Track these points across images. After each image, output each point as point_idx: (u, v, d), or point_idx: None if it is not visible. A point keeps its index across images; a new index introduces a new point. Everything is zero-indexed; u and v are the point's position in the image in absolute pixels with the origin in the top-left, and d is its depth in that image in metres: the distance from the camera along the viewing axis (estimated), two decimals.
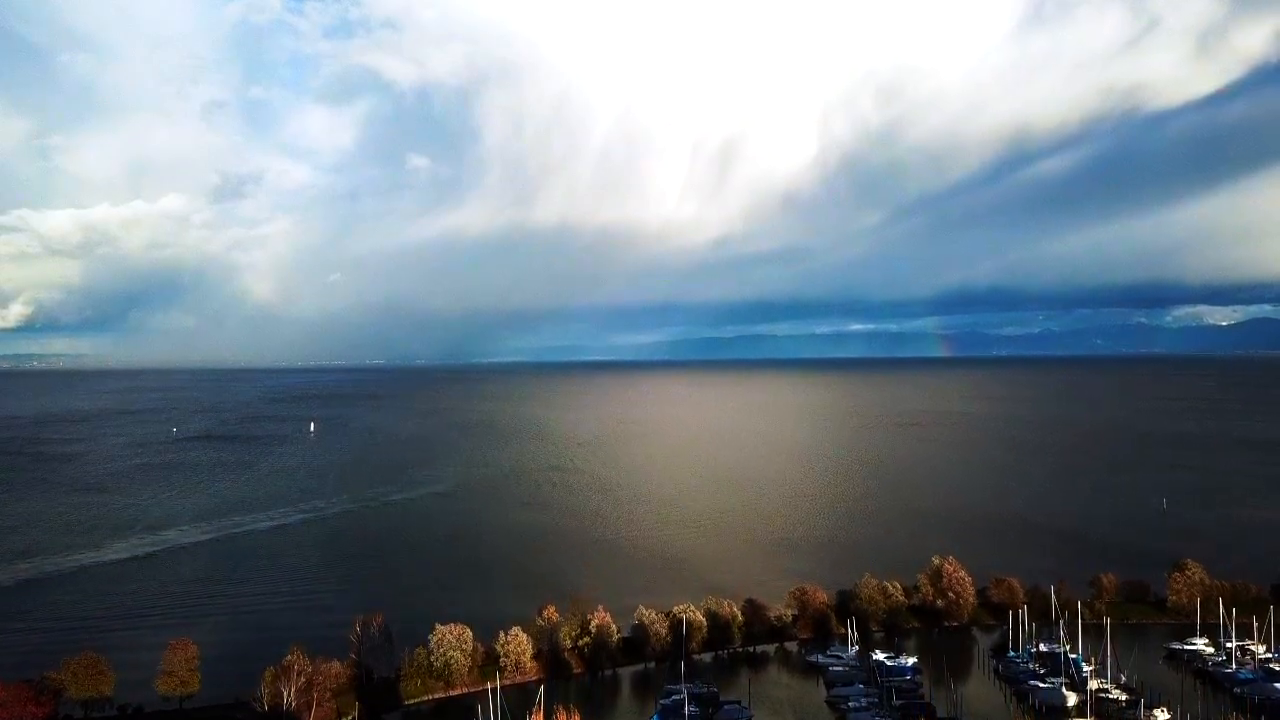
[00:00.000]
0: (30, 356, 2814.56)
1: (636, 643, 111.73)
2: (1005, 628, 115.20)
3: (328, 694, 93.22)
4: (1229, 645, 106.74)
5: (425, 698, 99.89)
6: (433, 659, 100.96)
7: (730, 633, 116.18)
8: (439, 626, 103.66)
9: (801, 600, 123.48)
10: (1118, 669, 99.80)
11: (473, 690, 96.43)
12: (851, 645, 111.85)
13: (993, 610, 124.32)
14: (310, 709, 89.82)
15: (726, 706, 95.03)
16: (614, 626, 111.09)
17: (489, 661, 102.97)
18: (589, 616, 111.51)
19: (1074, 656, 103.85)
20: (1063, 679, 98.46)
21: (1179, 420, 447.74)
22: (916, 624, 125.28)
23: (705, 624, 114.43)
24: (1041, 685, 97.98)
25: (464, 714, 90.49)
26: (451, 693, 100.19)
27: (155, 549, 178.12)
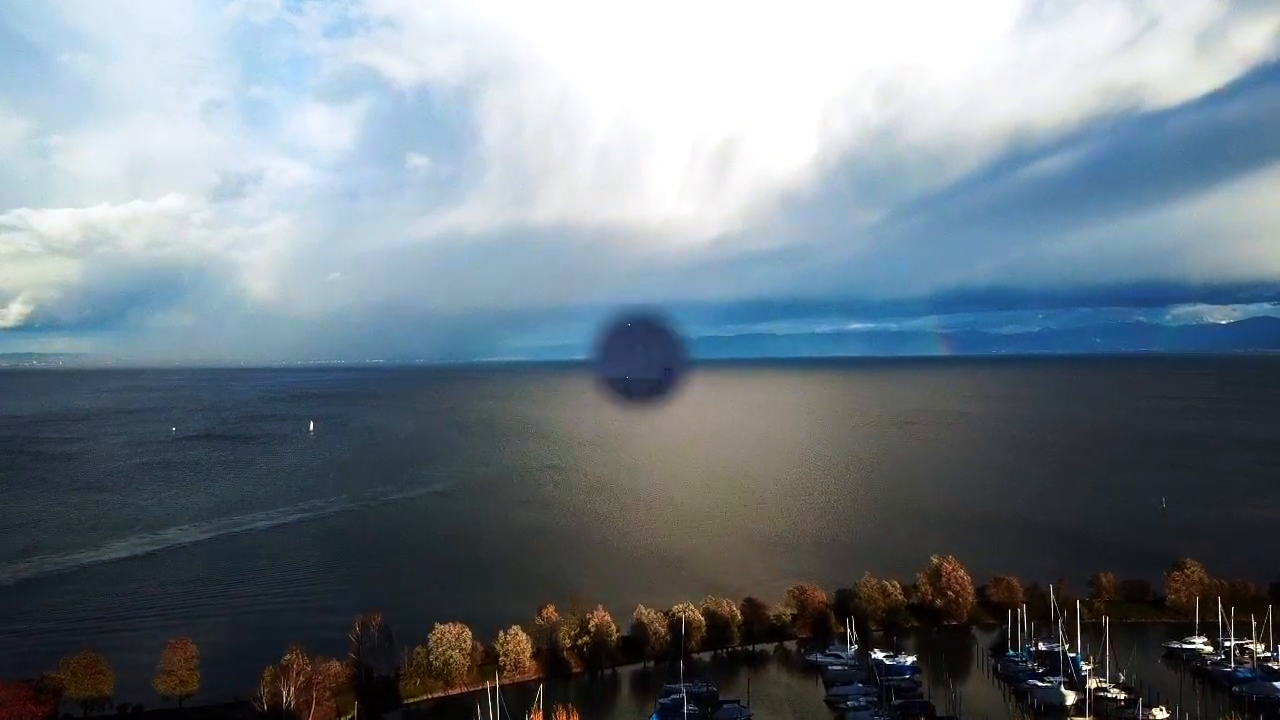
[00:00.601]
0: (30, 356, 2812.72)
1: (636, 642, 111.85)
2: (1004, 627, 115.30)
3: (327, 693, 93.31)
4: (1228, 644, 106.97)
5: (425, 697, 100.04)
6: (432, 658, 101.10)
7: (729, 632, 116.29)
8: (438, 626, 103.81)
9: (801, 599, 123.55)
10: (1117, 668, 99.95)
11: (472, 690, 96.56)
12: (851, 644, 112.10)
13: (992, 609, 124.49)
14: (310, 708, 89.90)
15: (726, 706, 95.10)
16: (613, 626, 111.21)
17: (488, 661, 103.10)
18: (588, 616, 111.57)
19: (1073, 655, 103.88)
20: (1062, 678, 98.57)
21: (1179, 420, 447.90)
22: (916, 623, 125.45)
23: (704, 623, 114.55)
24: (1040, 684, 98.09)
25: (463, 713, 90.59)
26: (451, 692, 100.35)
27: (155, 549, 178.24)
